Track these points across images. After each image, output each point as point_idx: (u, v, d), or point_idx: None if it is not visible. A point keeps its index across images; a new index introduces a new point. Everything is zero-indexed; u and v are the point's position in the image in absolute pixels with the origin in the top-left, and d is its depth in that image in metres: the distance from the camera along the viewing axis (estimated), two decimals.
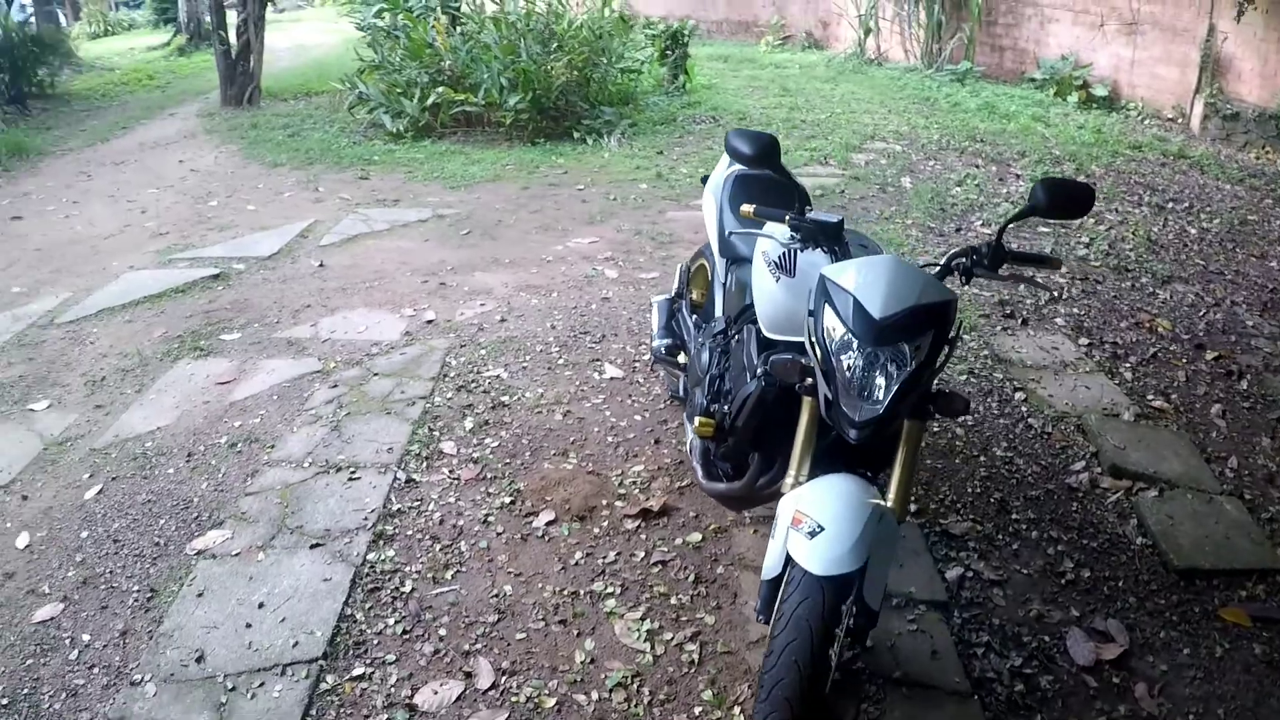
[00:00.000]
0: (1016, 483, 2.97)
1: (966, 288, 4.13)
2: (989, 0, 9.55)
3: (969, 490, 2.90)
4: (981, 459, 3.06)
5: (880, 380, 1.66)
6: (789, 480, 1.86)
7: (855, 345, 1.67)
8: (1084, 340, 3.95)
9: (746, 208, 2.05)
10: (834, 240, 1.94)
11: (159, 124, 9.48)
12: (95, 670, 2.34)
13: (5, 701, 2.25)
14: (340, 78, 8.60)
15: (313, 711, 2.16)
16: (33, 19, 12.26)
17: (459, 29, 8.22)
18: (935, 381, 1.83)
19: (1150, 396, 3.52)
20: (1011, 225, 1.89)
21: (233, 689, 2.23)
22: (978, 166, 6.58)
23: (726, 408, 2.20)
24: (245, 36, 9.29)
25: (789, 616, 1.66)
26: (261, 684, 2.24)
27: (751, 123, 8.02)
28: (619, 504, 2.86)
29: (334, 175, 6.95)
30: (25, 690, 2.28)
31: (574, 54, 7.46)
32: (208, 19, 9.35)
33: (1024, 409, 3.36)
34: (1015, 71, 9.56)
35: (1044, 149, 7.02)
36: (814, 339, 1.78)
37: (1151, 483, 2.93)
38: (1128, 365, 3.76)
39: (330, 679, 2.25)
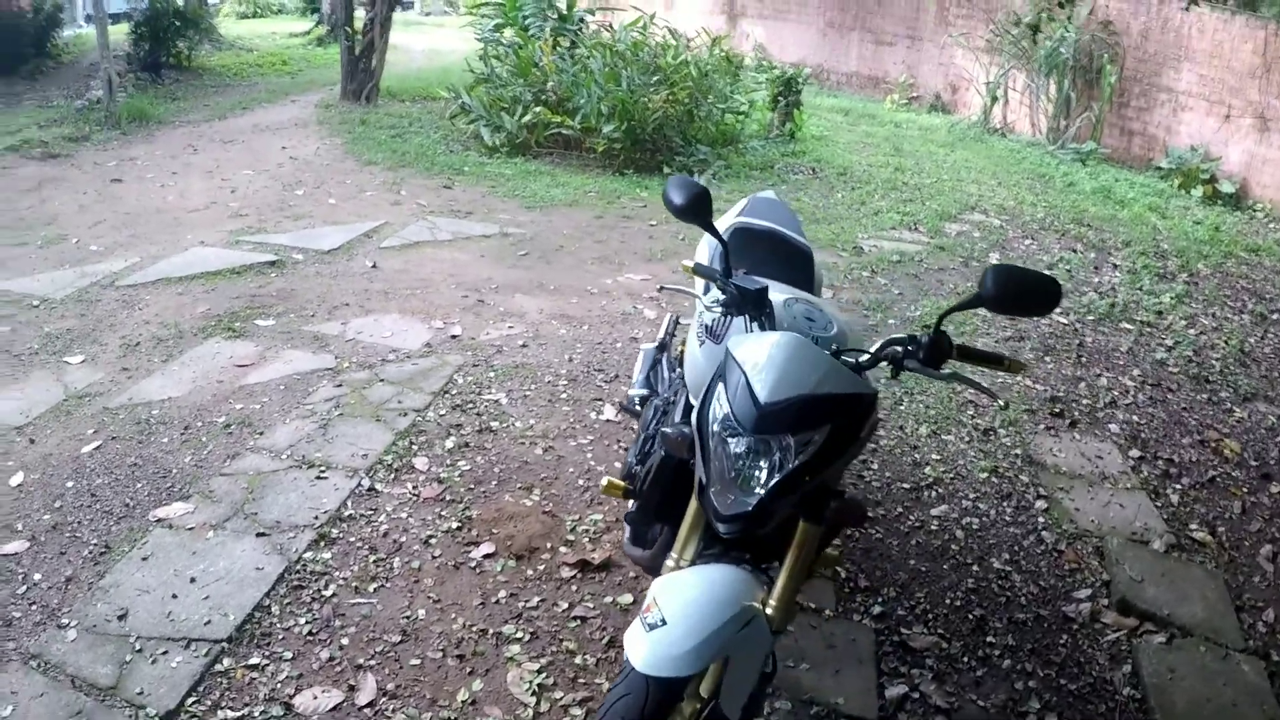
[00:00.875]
0: (1005, 601, 2.91)
1: (1010, 378, 4.12)
2: (1122, 80, 9.37)
3: (947, 601, 2.87)
4: (974, 568, 3.01)
5: (759, 473, 1.63)
6: (669, 562, 1.89)
7: (735, 430, 1.65)
8: (1135, 453, 3.80)
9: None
10: (757, 308, 1.97)
11: (277, 109, 10.59)
12: (34, 608, 2.72)
13: None
14: (447, 86, 9.36)
15: (200, 688, 2.44)
16: None
17: (568, 51, 8.79)
18: (842, 481, 1.86)
19: (1193, 526, 3.35)
20: (955, 314, 1.91)
21: (139, 650, 2.55)
22: (1075, 251, 6.45)
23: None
24: (370, 35, 10.30)
25: (607, 710, 1.67)
26: (165, 652, 2.55)
27: (852, 179, 8.10)
28: (563, 550, 3.02)
29: (420, 180, 7.57)
30: None
31: (676, 88, 7.81)
32: (358, 13, 10.40)
33: (1041, 520, 3.28)
34: (1141, 158, 9.33)
35: (1151, 241, 6.79)
36: (697, 415, 1.81)
37: (1162, 626, 2.80)
38: (1177, 487, 3.59)
39: (227, 661, 2.53)
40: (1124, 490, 3.52)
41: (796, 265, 2.72)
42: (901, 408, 3.97)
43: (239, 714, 2.37)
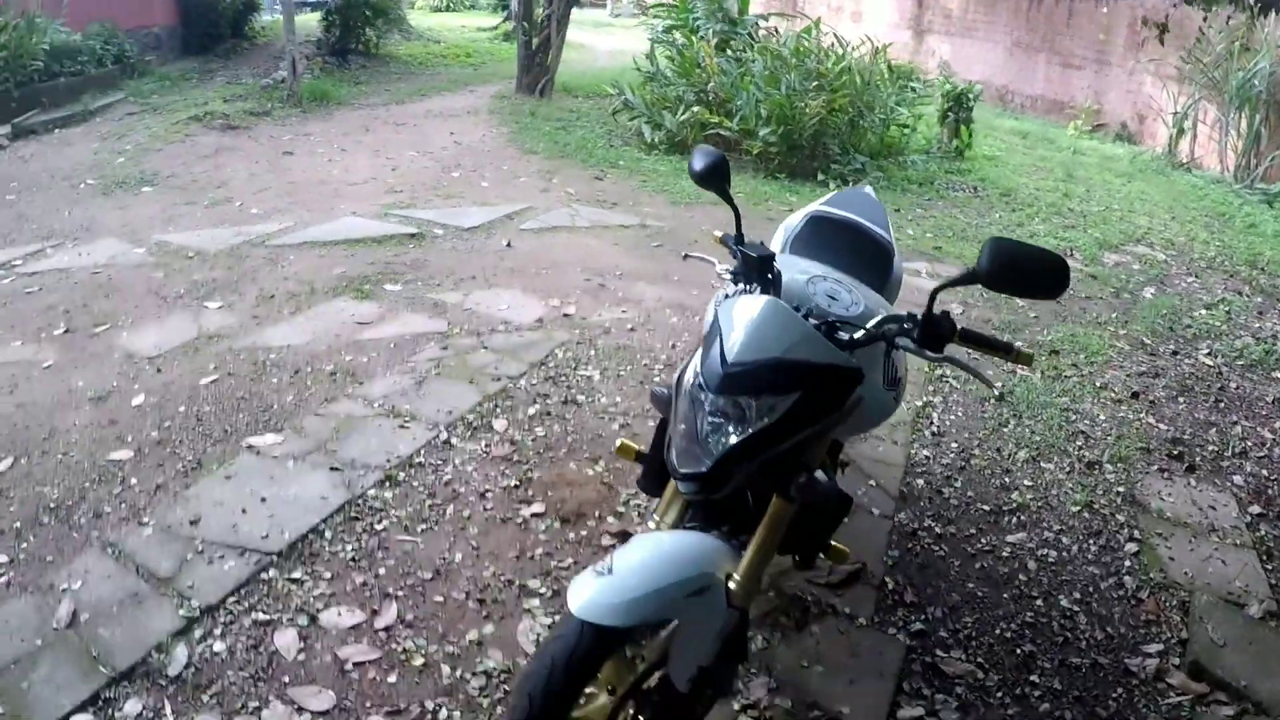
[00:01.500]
0: (1062, 642, 2.71)
1: (1131, 412, 3.80)
2: None
3: (997, 631, 2.71)
4: (1038, 602, 2.82)
5: (723, 436, 1.69)
6: (651, 523, 1.97)
7: (702, 388, 1.72)
8: (1255, 509, 3.43)
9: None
10: (762, 273, 2.03)
11: (453, 97, 11.51)
12: (123, 506, 3.17)
13: (54, 505, 3.16)
14: (612, 83, 9.84)
15: (242, 590, 2.76)
16: None
17: (730, 53, 9.04)
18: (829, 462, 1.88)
19: None
20: (946, 292, 1.83)
21: (200, 552, 2.91)
22: (1240, 294, 6.08)
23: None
24: (547, 32, 11.00)
25: (540, 650, 1.74)
26: (222, 556, 2.90)
27: (1015, 201, 7.87)
28: (610, 519, 3.14)
29: (574, 170, 7.99)
30: (71, 502, 3.17)
31: (836, 95, 7.87)
32: (537, 10, 11.19)
33: (1127, 563, 3.02)
34: None
35: None
36: (678, 375, 1.91)
37: (1235, 698, 2.52)
38: None
39: (272, 572, 2.84)
40: (1231, 546, 3.19)
41: (871, 260, 2.74)
42: (1005, 430, 3.78)
43: (269, 617, 2.66)
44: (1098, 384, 4.17)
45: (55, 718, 2.36)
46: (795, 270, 2.19)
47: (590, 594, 1.68)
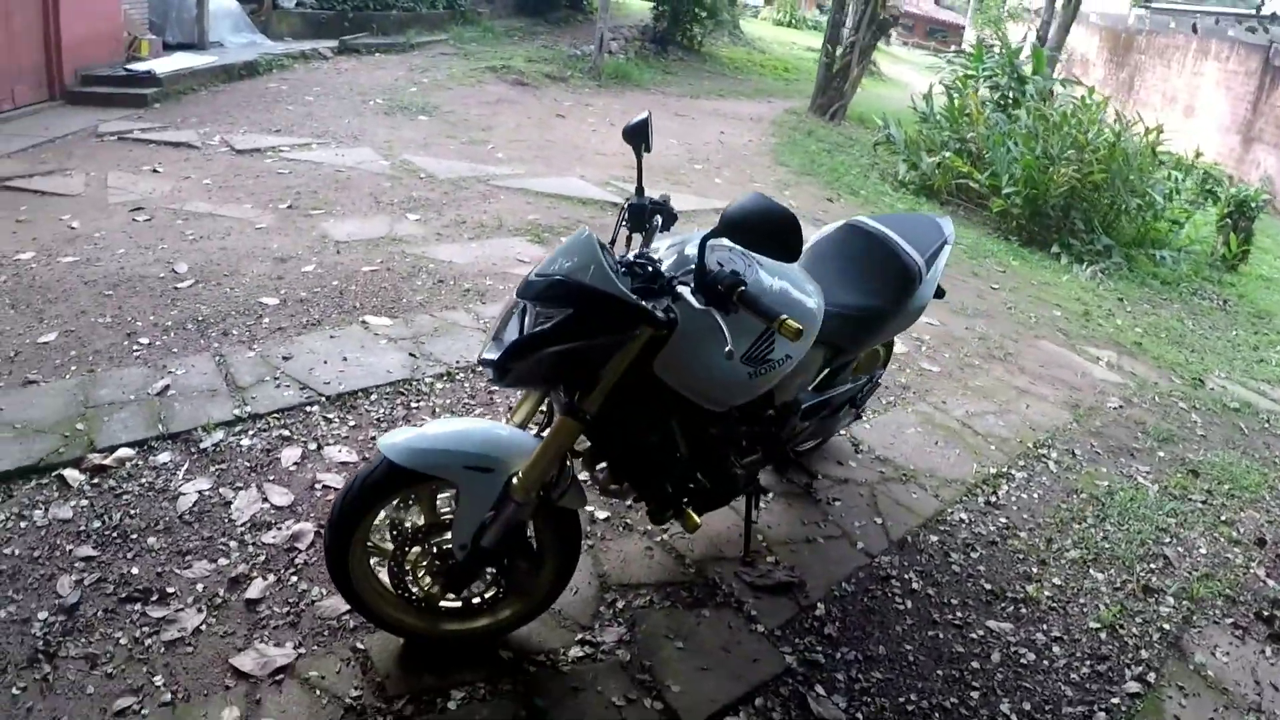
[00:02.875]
0: None
1: (1240, 555, 3.27)
2: None
3: (901, 700, 2.44)
4: (973, 694, 2.53)
5: (511, 332, 1.99)
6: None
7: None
8: None
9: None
10: (636, 223, 2.29)
11: (746, 104, 11.97)
12: (245, 334, 3.92)
13: (200, 319, 3.96)
14: (881, 115, 9.80)
15: (286, 413, 3.36)
16: None
17: (1004, 109, 8.70)
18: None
19: None
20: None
21: (275, 379, 3.55)
22: None
23: None
24: (848, 58, 11.15)
25: (356, 471, 2.20)
26: (288, 386, 3.52)
27: (1263, 324, 6.92)
28: None
29: (812, 188, 8.11)
30: (214, 320, 3.98)
31: (1089, 167, 7.33)
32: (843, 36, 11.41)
33: (1116, 701, 2.64)
34: None
35: None
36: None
37: None
38: None
39: (314, 408, 3.41)
40: None
41: (888, 277, 2.74)
42: (1074, 526, 3.44)
43: (290, 435, 3.23)
44: (1223, 518, 3.68)
45: (109, 444, 3.09)
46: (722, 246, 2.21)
47: (397, 438, 2.09)
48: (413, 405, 3.53)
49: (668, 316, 1.95)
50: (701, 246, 1.97)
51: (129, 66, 8.03)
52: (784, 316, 1.83)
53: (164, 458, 3.10)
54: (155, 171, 6.03)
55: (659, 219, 2.28)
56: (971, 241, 7.24)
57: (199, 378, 3.55)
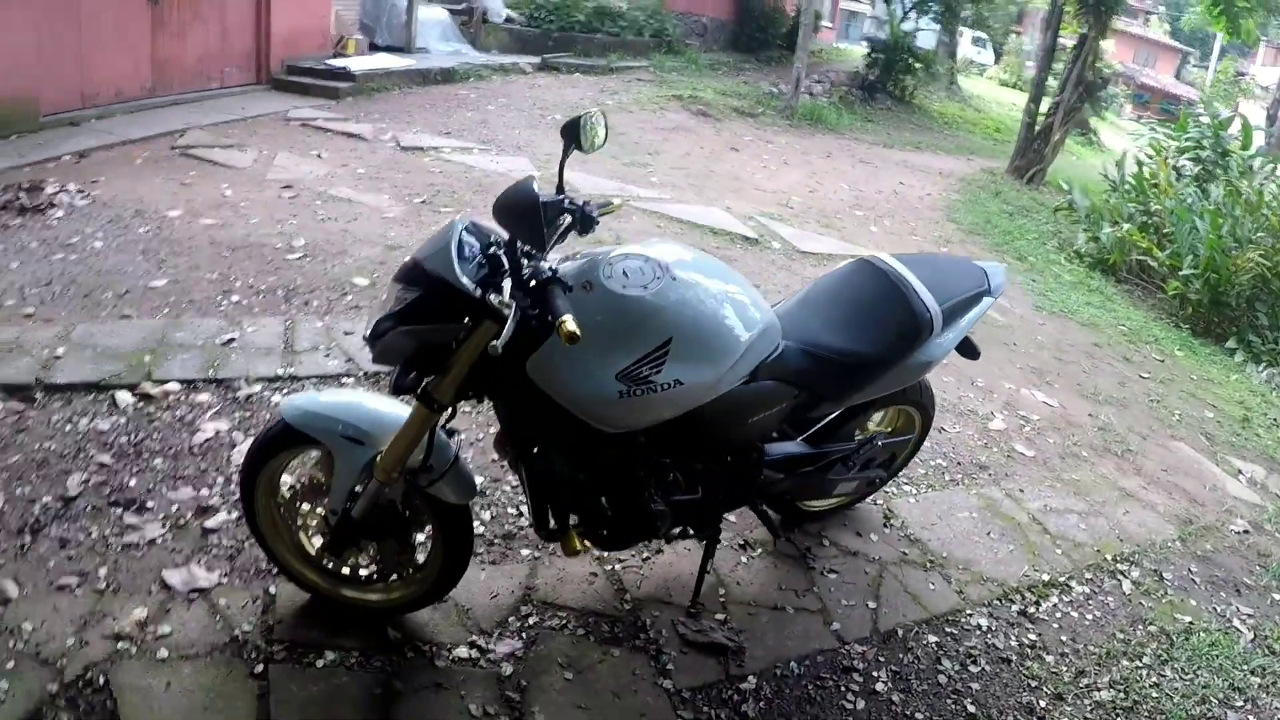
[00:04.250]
0: None
1: None
2: None
3: None
4: None
5: (381, 310, 1.99)
6: None
7: None
8: None
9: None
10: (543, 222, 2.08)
11: (942, 159, 11.37)
12: (323, 306, 4.14)
13: (292, 287, 4.21)
14: (1065, 179, 9.00)
15: (322, 378, 3.47)
16: (934, 41, 15.69)
17: (1198, 184, 7.72)
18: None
19: None
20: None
21: (328, 348, 3.76)
22: None
23: None
24: (1050, 120, 10.35)
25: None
26: (336, 357, 3.68)
27: None
28: None
29: (974, 249, 7.48)
30: (302, 291, 4.25)
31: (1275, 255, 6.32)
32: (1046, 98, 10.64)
33: None
34: None
35: None
36: None
37: None
38: None
39: (349, 379, 3.51)
40: None
41: (886, 324, 2.42)
42: (1121, 663, 2.86)
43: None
44: None
45: (163, 377, 3.43)
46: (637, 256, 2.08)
47: (296, 400, 2.23)
48: None
49: (504, 310, 1.81)
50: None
51: (328, 61, 8.78)
52: (565, 318, 1.69)
53: (202, 397, 3.34)
54: (319, 157, 6.51)
55: (567, 219, 2.12)
56: (1136, 324, 6.46)
57: (264, 337, 3.77)
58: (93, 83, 6.80)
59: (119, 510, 2.75)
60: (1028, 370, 5.05)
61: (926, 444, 3.86)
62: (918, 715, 2.50)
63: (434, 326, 1.90)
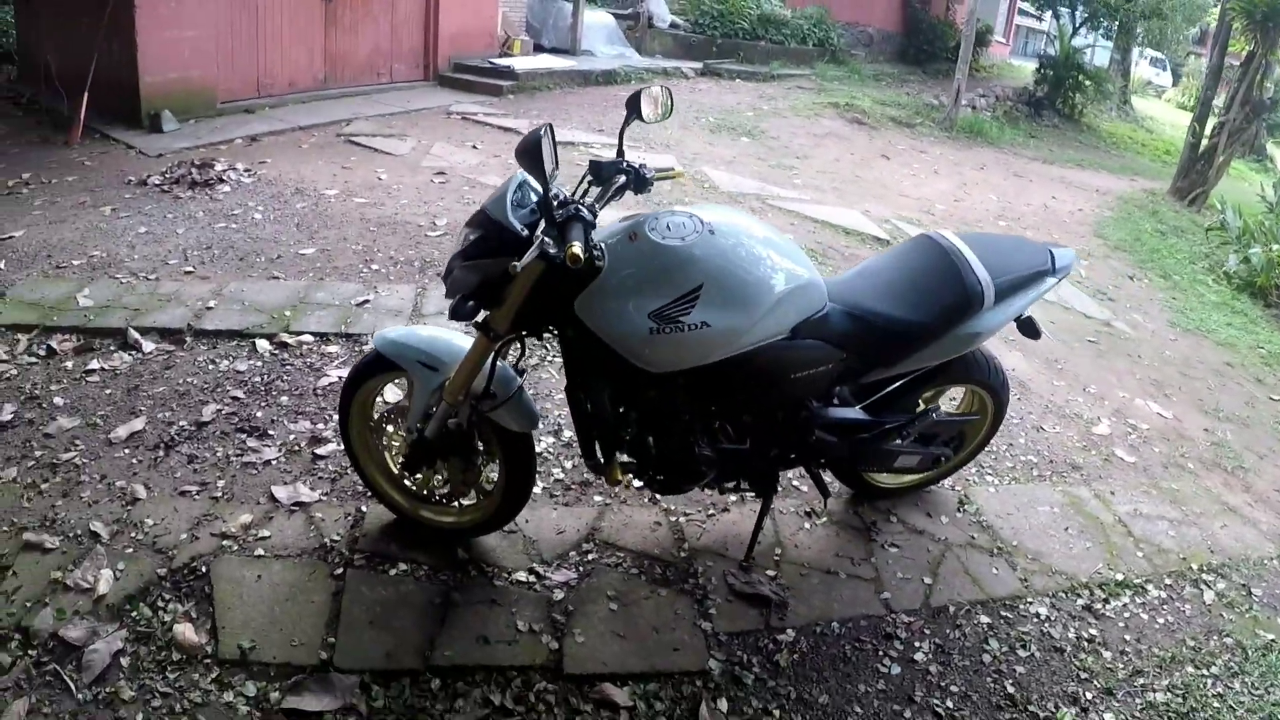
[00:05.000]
0: None
1: None
2: None
3: None
4: None
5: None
6: None
7: None
8: None
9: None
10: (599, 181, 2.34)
11: (1103, 178, 10.81)
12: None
13: (421, 263, 4.58)
14: (1220, 198, 8.41)
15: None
16: (1108, 60, 14.89)
17: None
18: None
19: None
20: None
21: (424, 313, 4.03)
22: None
23: None
24: (1215, 141, 9.70)
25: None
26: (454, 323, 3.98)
27: None
28: None
29: (1117, 264, 7.13)
30: (434, 273, 4.56)
31: None
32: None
33: None
34: None
35: None
36: None
37: None
38: None
39: None
40: None
41: (936, 294, 2.47)
42: (1187, 669, 2.76)
43: None
44: None
45: (300, 329, 3.84)
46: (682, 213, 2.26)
47: (389, 332, 2.51)
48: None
49: (547, 251, 1.99)
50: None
51: (492, 60, 9.30)
52: (573, 243, 1.89)
53: (332, 349, 3.72)
54: (474, 147, 6.97)
55: (622, 179, 2.31)
56: (1279, 347, 6.01)
57: (395, 301, 4.15)
58: (269, 74, 7.54)
59: (243, 436, 3.14)
60: (1147, 382, 4.83)
61: (1020, 440, 3.81)
62: (953, 688, 2.52)
63: (490, 260, 2.13)
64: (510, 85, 8.97)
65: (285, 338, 3.77)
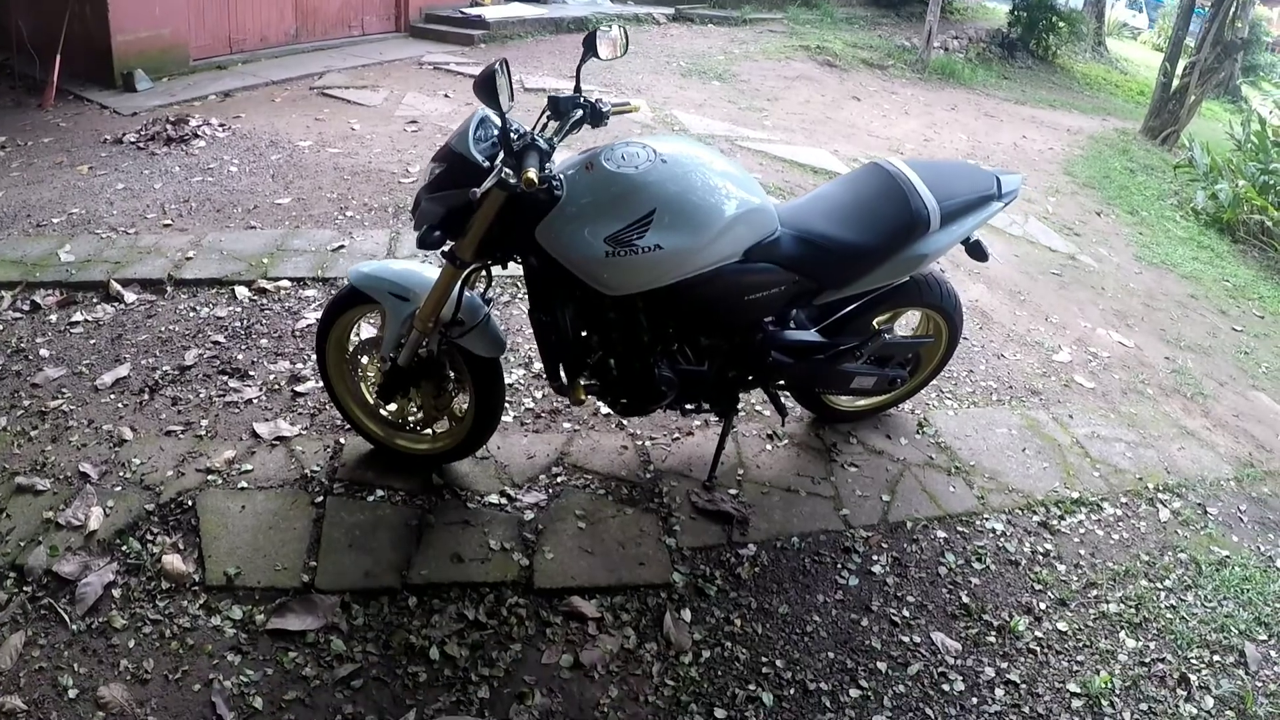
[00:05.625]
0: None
1: None
2: None
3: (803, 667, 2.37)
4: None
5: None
6: None
7: None
8: None
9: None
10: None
11: (1075, 118, 10.73)
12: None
13: (394, 209, 4.59)
14: (1188, 136, 8.45)
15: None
16: (1081, 1, 14.78)
17: None
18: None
19: None
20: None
21: (426, 257, 4.06)
22: None
23: None
24: (1186, 80, 9.70)
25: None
26: (429, 262, 4.02)
27: None
28: None
29: (1085, 201, 7.09)
30: (407, 217, 4.58)
31: None
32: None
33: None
34: None
35: None
36: None
37: None
38: None
39: None
40: None
41: (883, 218, 2.54)
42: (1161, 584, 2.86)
43: None
44: None
45: (277, 275, 3.87)
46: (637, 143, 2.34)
47: (362, 266, 2.59)
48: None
49: (505, 179, 2.05)
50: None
51: (464, 10, 9.19)
52: (528, 168, 1.99)
53: (309, 292, 3.78)
54: (446, 96, 6.93)
55: (579, 113, 2.36)
56: (1243, 281, 6.08)
57: (370, 245, 4.18)
58: (240, 29, 7.45)
59: (225, 378, 3.21)
60: (1110, 313, 4.92)
61: (980, 367, 3.90)
62: (909, 598, 2.63)
63: (454, 191, 2.19)
64: (482, 35, 8.88)
65: (263, 284, 3.82)
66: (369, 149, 5.52)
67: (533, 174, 1.98)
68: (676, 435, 3.09)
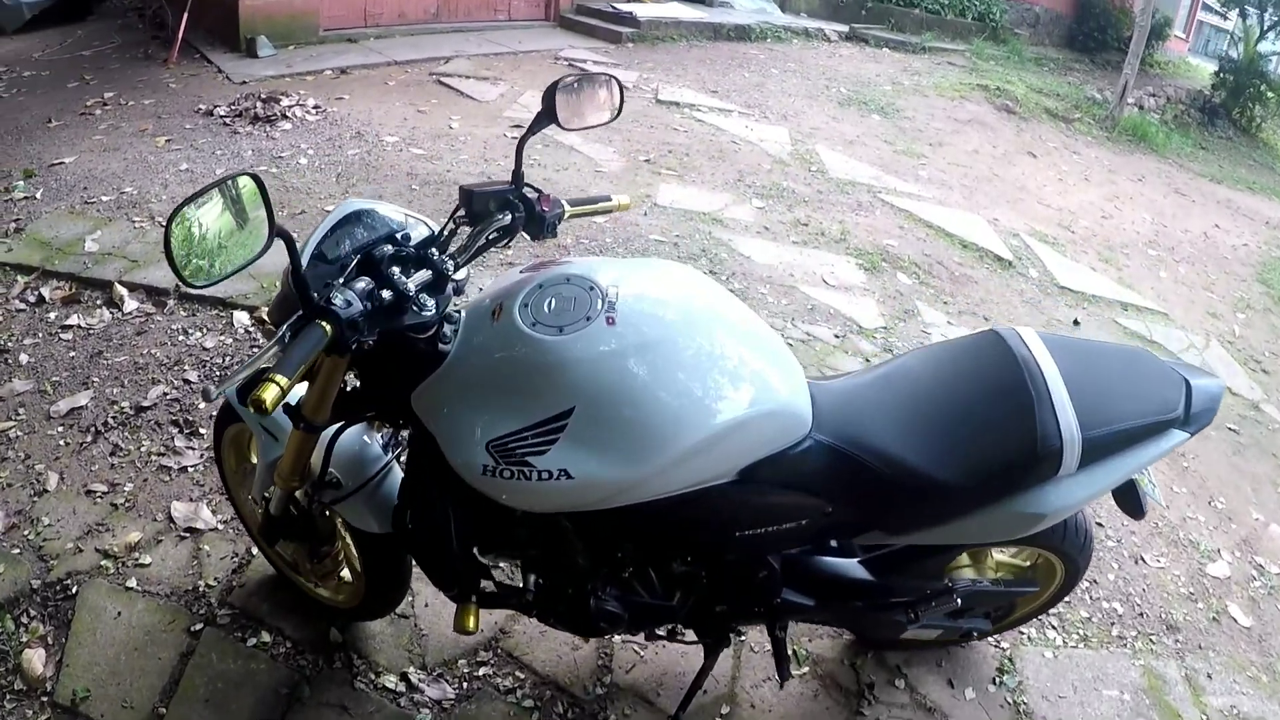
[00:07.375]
0: None
1: None
2: None
3: None
4: None
5: None
6: None
7: None
8: None
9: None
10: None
11: (1268, 206, 9.10)
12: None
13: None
14: None
15: None
16: None
17: None
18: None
19: None
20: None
21: None
22: None
23: None
24: None
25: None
26: None
27: None
28: None
29: (1275, 322, 5.87)
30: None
31: None
32: None
33: None
34: None
35: None
36: None
37: None
38: None
39: None
40: None
41: (985, 438, 1.58)
42: None
43: None
44: None
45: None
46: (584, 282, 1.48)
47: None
48: None
49: (336, 330, 1.26)
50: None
51: (615, 5, 8.44)
52: (273, 377, 1.15)
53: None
54: None
55: (507, 217, 1.54)
56: None
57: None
58: (378, 4, 7.01)
59: (175, 430, 2.76)
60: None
61: (1109, 576, 2.92)
62: None
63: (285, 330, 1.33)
64: (630, 33, 8.13)
65: (265, 313, 3.29)
66: (455, 154, 4.92)
67: (269, 395, 1.13)
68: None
